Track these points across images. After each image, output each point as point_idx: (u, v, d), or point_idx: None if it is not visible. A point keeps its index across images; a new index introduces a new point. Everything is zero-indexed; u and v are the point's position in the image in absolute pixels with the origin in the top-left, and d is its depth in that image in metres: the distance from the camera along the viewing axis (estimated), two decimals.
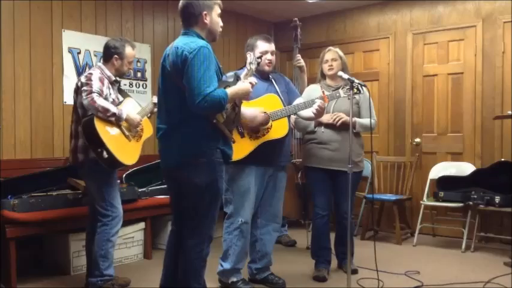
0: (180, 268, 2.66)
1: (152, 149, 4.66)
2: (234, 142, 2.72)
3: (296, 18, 4.65)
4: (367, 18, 5.74)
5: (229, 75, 2.88)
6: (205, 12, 2.59)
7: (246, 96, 2.72)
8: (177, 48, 2.51)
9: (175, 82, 2.53)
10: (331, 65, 3.69)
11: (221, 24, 2.71)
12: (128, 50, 3.36)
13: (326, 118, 3.59)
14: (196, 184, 2.55)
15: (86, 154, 3.21)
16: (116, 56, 3.32)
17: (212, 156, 2.56)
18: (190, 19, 2.61)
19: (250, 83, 2.73)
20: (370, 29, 5.73)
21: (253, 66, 2.92)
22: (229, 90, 2.53)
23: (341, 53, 3.75)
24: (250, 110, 3.18)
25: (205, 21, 2.61)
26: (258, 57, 3.10)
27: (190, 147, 2.54)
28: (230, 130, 2.67)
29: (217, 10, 2.66)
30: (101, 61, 3.40)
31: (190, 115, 2.50)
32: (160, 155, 2.71)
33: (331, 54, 3.72)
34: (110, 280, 3.31)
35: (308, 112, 3.36)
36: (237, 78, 2.79)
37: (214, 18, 2.64)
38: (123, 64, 3.35)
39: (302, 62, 4.46)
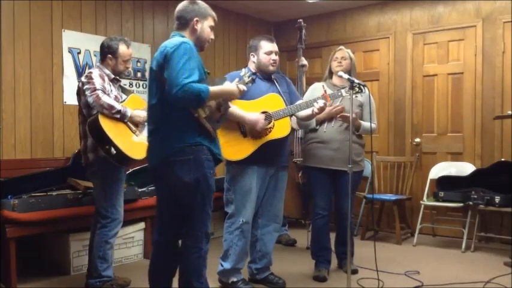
0: (180, 269, 2.66)
1: None
2: (215, 139, 2.66)
3: (301, 20, 4.64)
4: (367, 18, 5.74)
5: (218, 79, 2.87)
6: (196, 19, 2.64)
7: (231, 97, 2.69)
8: (161, 47, 2.59)
9: (159, 80, 2.55)
10: (340, 62, 3.70)
11: (212, 36, 2.74)
12: (122, 49, 3.33)
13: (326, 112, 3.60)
14: (186, 182, 2.54)
15: (95, 153, 3.22)
16: (109, 55, 3.32)
17: (199, 153, 2.55)
18: (182, 22, 2.67)
19: (239, 88, 2.72)
20: (370, 29, 5.73)
21: (247, 79, 2.87)
22: (213, 87, 2.53)
23: (351, 54, 3.78)
24: (252, 115, 3.17)
25: (196, 27, 2.65)
26: (253, 75, 3.00)
27: (174, 144, 2.53)
28: (214, 129, 2.64)
29: (210, 22, 2.70)
30: (99, 61, 3.41)
31: (172, 111, 2.52)
32: (147, 156, 2.71)
33: (342, 53, 3.74)
34: (108, 281, 3.31)
35: (306, 111, 3.36)
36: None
37: (205, 27, 2.68)
38: (118, 63, 3.34)
39: (304, 62, 4.48)
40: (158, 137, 2.60)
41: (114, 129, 3.13)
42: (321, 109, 3.27)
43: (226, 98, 2.68)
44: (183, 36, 2.63)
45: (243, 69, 3.04)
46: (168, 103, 2.49)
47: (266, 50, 3.35)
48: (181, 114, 2.52)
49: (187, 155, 2.52)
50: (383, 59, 5.62)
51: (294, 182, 4.63)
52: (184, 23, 2.66)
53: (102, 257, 3.27)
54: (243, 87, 2.76)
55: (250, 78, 2.88)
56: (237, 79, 2.81)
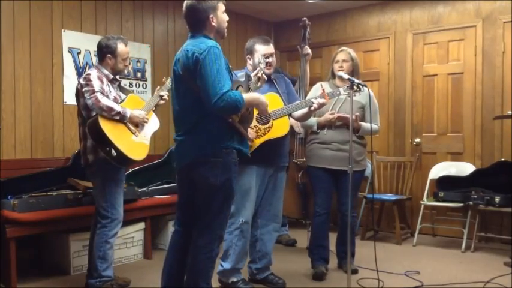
0: (188, 267, 2.66)
1: (152, 148, 4.64)
2: (251, 142, 2.78)
3: (305, 18, 4.59)
4: (367, 18, 5.74)
5: (240, 75, 2.90)
6: (211, 16, 2.59)
7: (261, 106, 2.71)
8: (187, 51, 2.52)
9: (188, 84, 2.54)
10: (341, 66, 3.69)
11: (227, 19, 2.69)
12: (120, 48, 3.33)
13: (328, 118, 3.61)
14: (211, 183, 2.55)
15: (95, 154, 3.22)
16: (108, 55, 3.31)
17: (228, 156, 2.57)
18: (198, 24, 2.61)
19: (263, 78, 2.93)
20: (370, 29, 5.73)
21: (263, 66, 3.02)
22: (246, 96, 2.55)
23: (353, 55, 3.75)
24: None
25: (213, 23, 2.61)
26: (265, 58, 3.23)
27: (207, 146, 2.55)
28: (245, 129, 2.68)
29: (221, 8, 2.65)
30: (97, 61, 3.40)
31: (205, 115, 2.52)
32: (176, 155, 2.71)
33: (343, 55, 3.73)
34: (108, 281, 3.30)
35: (302, 110, 3.36)
36: (248, 78, 2.80)
37: (220, 17, 2.64)
38: (117, 62, 3.34)
39: (308, 50, 4.40)
40: (190, 139, 2.59)
41: (114, 131, 3.13)
42: (321, 105, 3.26)
43: (256, 106, 2.70)
44: (205, 36, 2.59)
45: (256, 58, 3.20)
46: (202, 107, 2.50)
47: (261, 53, 3.33)
48: (215, 119, 2.53)
49: (217, 157, 2.54)
50: (383, 59, 5.62)
51: (294, 182, 4.63)
52: (201, 24, 2.60)
53: (102, 257, 3.26)
54: (264, 77, 2.96)
55: (264, 62, 3.09)
56: (255, 72, 2.97)
